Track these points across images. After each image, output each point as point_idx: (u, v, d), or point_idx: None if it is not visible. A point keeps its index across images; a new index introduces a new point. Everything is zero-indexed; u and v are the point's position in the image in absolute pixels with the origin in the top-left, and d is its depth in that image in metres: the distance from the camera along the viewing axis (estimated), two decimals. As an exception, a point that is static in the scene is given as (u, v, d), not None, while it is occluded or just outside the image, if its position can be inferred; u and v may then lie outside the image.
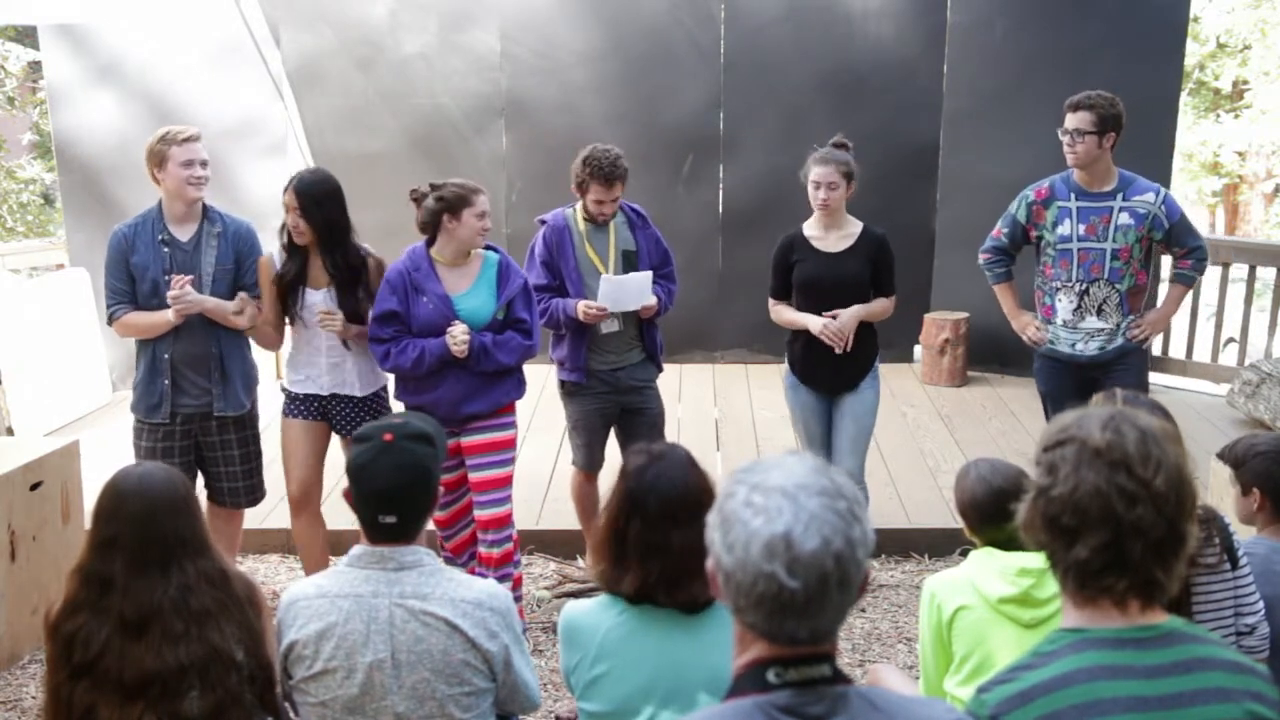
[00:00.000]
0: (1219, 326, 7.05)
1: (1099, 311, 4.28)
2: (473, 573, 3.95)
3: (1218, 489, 3.73)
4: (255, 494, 4.36)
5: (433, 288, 3.92)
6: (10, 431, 5.67)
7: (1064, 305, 4.33)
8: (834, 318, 4.29)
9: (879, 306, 4.38)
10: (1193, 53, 14.48)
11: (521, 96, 7.55)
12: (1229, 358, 7.17)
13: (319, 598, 2.35)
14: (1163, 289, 6.16)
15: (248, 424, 4.25)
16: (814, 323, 4.31)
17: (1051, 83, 6.95)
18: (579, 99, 7.53)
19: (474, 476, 4.01)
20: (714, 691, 2.12)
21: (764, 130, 7.52)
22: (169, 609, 2.29)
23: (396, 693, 2.30)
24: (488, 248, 4.06)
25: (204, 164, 4.09)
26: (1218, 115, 15.59)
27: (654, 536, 2.25)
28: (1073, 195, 4.31)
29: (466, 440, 4.01)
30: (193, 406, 4.09)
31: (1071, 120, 4.22)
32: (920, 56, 7.38)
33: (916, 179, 7.43)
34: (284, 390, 4.23)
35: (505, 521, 4.03)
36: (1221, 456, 3.03)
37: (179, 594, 2.31)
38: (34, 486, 4.10)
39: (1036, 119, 7.02)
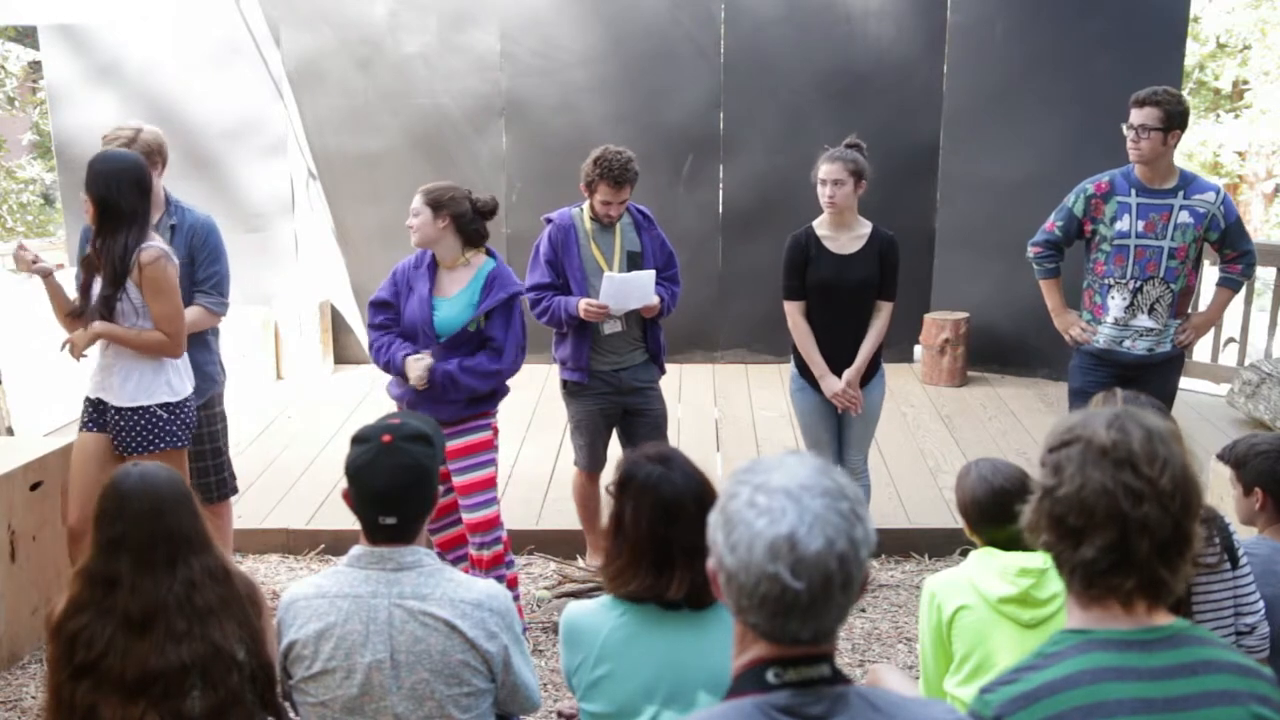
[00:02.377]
0: (1219, 327, 7.04)
1: (1150, 311, 4.24)
2: (466, 571, 3.95)
3: (1218, 489, 3.72)
4: (224, 488, 4.36)
5: (420, 287, 3.94)
6: (10, 431, 5.66)
7: (1116, 303, 4.27)
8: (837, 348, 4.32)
9: (876, 335, 4.35)
10: (1193, 53, 14.49)
11: (521, 96, 7.54)
12: (1229, 358, 7.16)
13: (318, 597, 2.34)
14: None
15: (203, 420, 4.19)
16: (828, 385, 4.34)
17: (1052, 83, 6.98)
18: (579, 99, 7.53)
19: (457, 480, 3.99)
20: (715, 691, 2.12)
21: (764, 130, 7.52)
22: (173, 606, 2.30)
23: (396, 693, 2.30)
24: (489, 253, 4.04)
25: None
26: (1218, 115, 15.60)
27: (699, 538, 2.24)
28: (1133, 191, 4.23)
29: (446, 444, 4.02)
30: None
31: (1137, 116, 4.14)
32: (920, 56, 7.37)
33: (917, 179, 7.42)
34: None
35: (494, 523, 4.00)
36: (1221, 458, 3.02)
37: (183, 590, 2.31)
38: (34, 486, 4.10)
39: (1037, 119, 7.05)
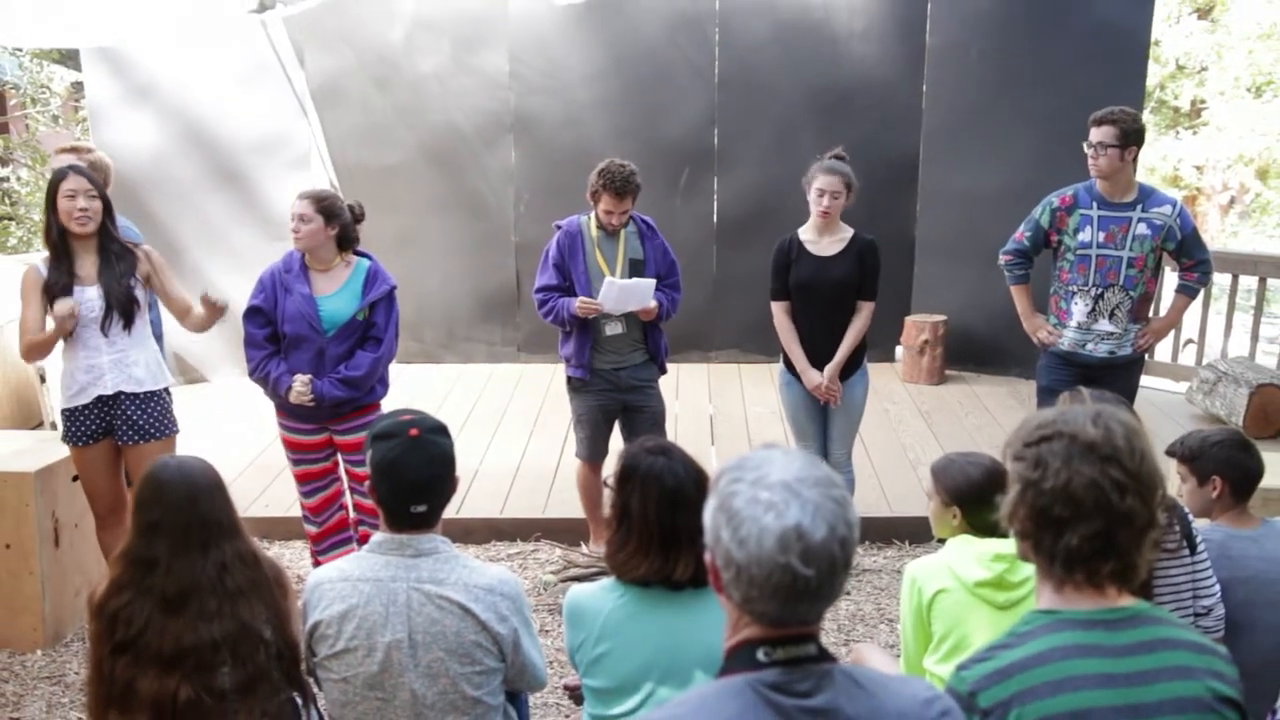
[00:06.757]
0: (1179, 329, 7.03)
1: (1111, 316, 4.25)
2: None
3: (1175, 481, 3.72)
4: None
5: (299, 287, 3.95)
6: (54, 426, 5.66)
7: (1079, 308, 4.29)
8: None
9: (856, 332, 4.35)
10: (1154, 74, 14.48)
11: (529, 113, 7.54)
12: (1188, 357, 7.17)
13: (342, 581, 2.35)
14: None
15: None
16: (809, 379, 4.36)
17: (1023, 101, 6.98)
18: (583, 115, 7.52)
19: (357, 470, 4.01)
20: (710, 669, 2.11)
21: (756, 145, 7.51)
22: (206, 587, 2.31)
23: (413, 671, 2.30)
24: (362, 255, 4.08)
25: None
26: (1177, 132, 15.59)
27: (701, 521, 2.25)
28: (1095, 204, 4.25)
29: (341, 439, 4.07)
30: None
31: (1095, 134, 4.16)
32: (901, 76, 7.37)
33: (898, 190, 7.42)
34: (63, 414, 3.84)
35: None
36: (1171, 453, 3.00)
37: (216, 573, 2.32)
38: (76, 478, 4.10)
39: (1010, 135, 7.05)
